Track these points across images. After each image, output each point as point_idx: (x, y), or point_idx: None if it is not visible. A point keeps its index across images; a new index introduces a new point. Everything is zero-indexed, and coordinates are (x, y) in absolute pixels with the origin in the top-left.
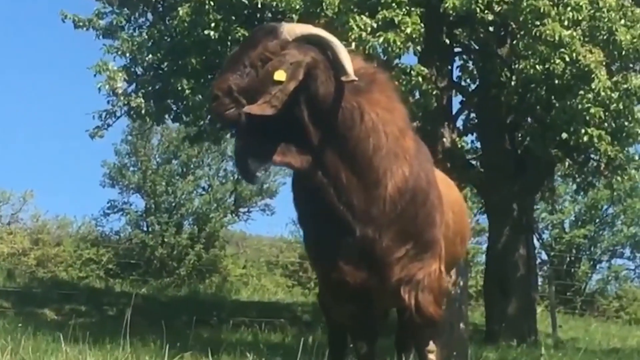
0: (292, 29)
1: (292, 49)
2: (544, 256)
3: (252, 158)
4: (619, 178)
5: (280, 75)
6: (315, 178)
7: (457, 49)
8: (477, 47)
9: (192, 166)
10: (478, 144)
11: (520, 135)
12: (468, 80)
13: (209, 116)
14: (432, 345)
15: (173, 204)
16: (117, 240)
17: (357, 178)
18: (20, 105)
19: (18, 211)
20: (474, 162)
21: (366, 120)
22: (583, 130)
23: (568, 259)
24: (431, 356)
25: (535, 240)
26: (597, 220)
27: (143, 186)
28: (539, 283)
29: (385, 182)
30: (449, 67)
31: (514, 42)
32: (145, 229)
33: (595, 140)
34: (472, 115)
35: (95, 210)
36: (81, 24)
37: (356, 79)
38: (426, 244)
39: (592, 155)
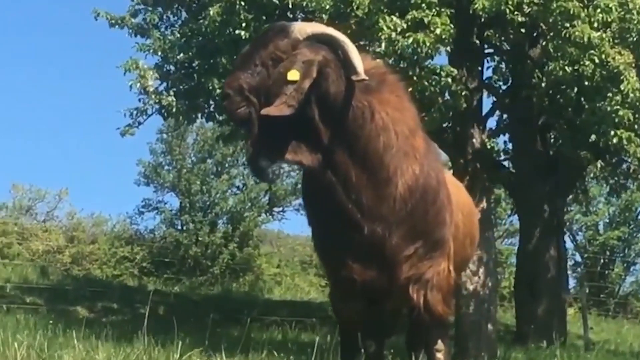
0: (302, 28)
1: (303, 48)
2: (578, 258)
3: (263, 156)
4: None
5: (293, 74)
6: (325, 176)
7: (488, 50)
8: (508, 48)
9: (226, 165)
10: (510, 145)
11: (551, 136)
12: (499, 82)
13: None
14: (440, 344)
15: (207, 203)
16: (152, 238)
17: (367, 176)
18: (56, 104)
19: (53, 209)
20: (505, 163)
21: (377, 119)
22: (612, 132)
23: (602, 260)
24: (439, 355)
25: (569, 242)
26: (631, 222)
27: (178, 185)
28: (573, 285)
29: (395, 181)
30: (480, 68)
31: (544, 43)
32: (179, 227)
33: (625, 142)
34: (505, 116)
35: (130, 208)
36: (114, 21)
37: (366, 78)
38: (436, 242)
39: (624, 157)
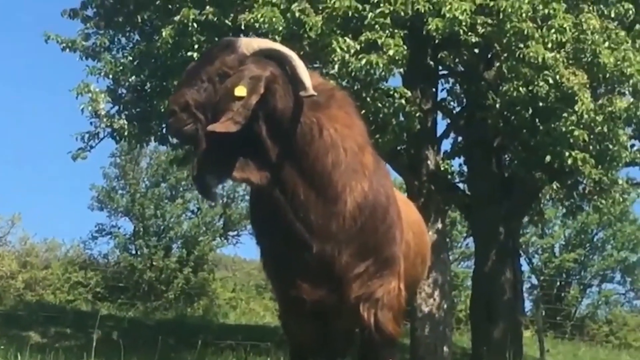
0: (250, 44)
1: (250, 64)
2: (534, 280)
3: (210, 175)
4: (603, 202)
5: (240, 90)
6: (273, 194)
7: (442, 72)
8: (462, 70)
9: (181, 189)
10: (465, 167)
11: (507, 158)
12: (453, 103)
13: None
14: None
15: (162, 227)
16: (106, 263)
17: (315, 194)
18: (7, 129)
19: (6, 234)
20: (460, 185)
21: (325, 135)
22: (567, 153)
23: (558, 283)
24: None
25: (525, 265)
26: (587, 244)
27: (131, 209)
28: (529, 307)
29: (344, 198)
30: (434, 89)
31: (499, 64)
32: (133, 252)
33: (579, 163)
34: (459, 138)
35: (83, 233)
36: (64, 45)
37: (315, 93)
38: (386, 260)
39: (579, 179)
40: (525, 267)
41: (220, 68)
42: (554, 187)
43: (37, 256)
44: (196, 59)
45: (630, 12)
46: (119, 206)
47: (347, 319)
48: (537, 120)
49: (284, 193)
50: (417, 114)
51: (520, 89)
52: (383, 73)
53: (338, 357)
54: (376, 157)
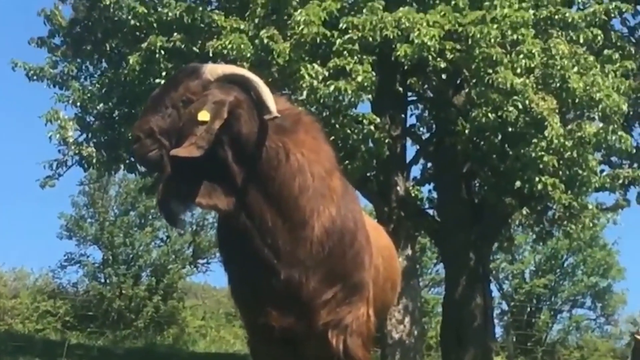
0: (214, 69)
1: (214, 89)
2: (505, 306)
3: (176, 201)
4: (573, 227)
5: (204, 115)
6: (239, 220)
7: (411, 98)
8: (431, 96)
9: (150, 217)
10: (435, 194)
11: (476, 184)
12: (423, 129)
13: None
14: None
15: (131, 256)
16: (75, 292)
17: (282, 219)
18: None
19: None
20: (430, 211)
21: (292, 160)
22: (537, 179)
23: (529, 308)
24: None
25: (495, 290)
26: (557, 270)
27: (100, 238)
28: (500, 333)
29: (312, 223)
30: (403, 115)
31: (468, 90)
32: (102, 280)
33: (549, 188)
34: (429, 164)
35: (52, 262)
36: (32, 72)
37: (278, 115)
38: (354, 286)
39: (549, 204)
40: (495, 293)
41: (184, 94)
42: (524, 212)
43: (6, 285)
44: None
45: (599, 37)
46: (87, 234)
47: (316, 346)
48: (506, 145)
49: (251, 219)
50: (386, 141)
51: (490, 114)
52: (352, 99)
53: None
54: (344, 182)
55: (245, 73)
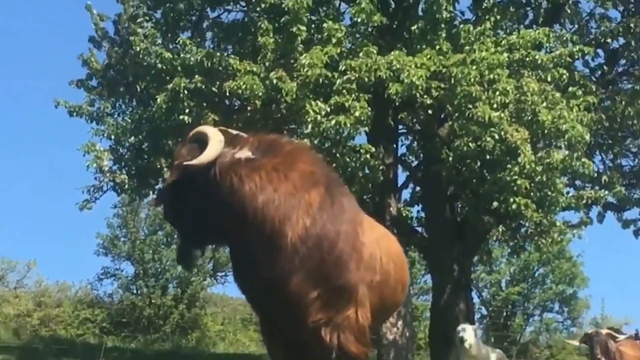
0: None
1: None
2: (484, 311)
3: (190, 248)
4: (543, 241)
5: None
6: (235, 246)
7: (402, 130)
8: (419, 128)
9: (175, 236)
10: (423, 214)
11: (459, 205)
12: (412, 157)
13: None
14: None
15: (159, 270)
16: (110, 302)
17: (257, 232)
18: (21, 184)
19: (23, 277)
20: (419, 229)
21: (246, 184)
22: (511, 200)
23: (504, 313)
24: None
25: (476, 297)
26: (529, 279)
27: (132, 254)
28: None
29: (285, 232)
30: (395, 145)
31: (451, 123)
32: (134, 291)
33: (522, 208)
34: (417, 188)
35: (90, 275)
36: (72, 109)
37: (193, 164)
38: (339, 288)
39: (522, 222)
40: (476, 300)
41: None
42: (500, 229)
43: (50, 296)
44: (188, 123)
45: (564, 76)
46: (121, 251)
47: (313, 343)
48: (485, 171)
49: (236, 244)
50: (380, 167)
51: (470, 144)
52: (351, 132)
53: None
54: (329, 197)
55: (201, 129)
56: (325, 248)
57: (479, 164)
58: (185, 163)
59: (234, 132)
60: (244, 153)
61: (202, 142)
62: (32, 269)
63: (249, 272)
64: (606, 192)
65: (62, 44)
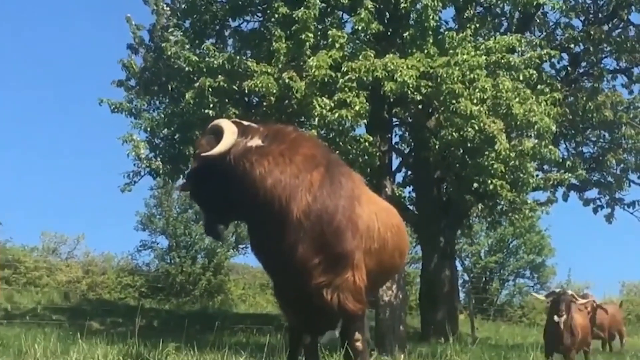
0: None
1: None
2: (466, 277)
3: (214, 223)
4: (516, 217)
5: None
6: (244, 221)
7: (395, 122)
8: (410, 121)
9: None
10: (414, 194)
11: (445, 186)
12: (404, 145)
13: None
14: (357, 335)
15: (189, 242)
16: (148, 270)
17: (267, 209)
18: (74, 171)
19: (73, 249)
20: (410, 207)
21: (258, 168)
22: (489, 181)
23: (483, 279)
24: (357, 343)
25: (459, 265)
26: (505, 250)
27: (167, 229)
28: (463, 297)
29: (291, 208)
30: (389, 135)
31: (437, 116)
32: (168, 261)
33: (498, 188)
34: (409, 172)
35: (131, 247)
36: (114, 106)
37: (215, 154)
38: (338, 255)
39: (497, 200)
40: (459, 267)
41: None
42: (480, 207)
43: (97, 265)
44: (212, 116)
45: (534, 76)
46: (157, 227)
47: (317, 301)
48: (466, 157)
49: (251, 220)
50: (377, 154)
51: (454, 134)
52: (352, 123)
53: (318, 333)
54: (329, 176)
55: (217, 123)
56: (325, 221)
57: (461, 151)
58: (203, 154)
59: (246, 123)
60: (255, 141)
61: (218, 134)
62: (81, 242)
63: (262, 244)
64: (569, 175)
65: (104, 51)
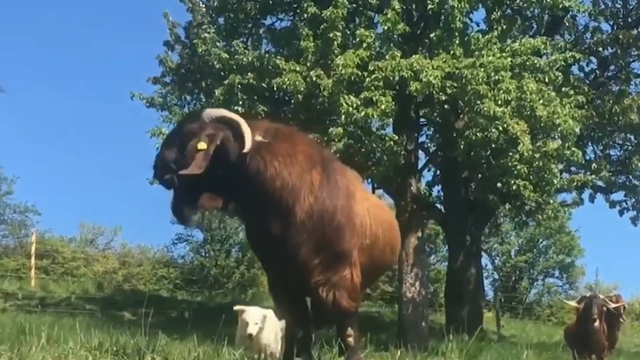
0: (209, 113)
1: (208, 127)
2: (496, 275)
3: (186, 207)
4: (540, 217)
5: (202, 145)
6: (244, 215)
7: (422, 122)
8: (439, 121)
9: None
10: (442, 193)
11: (472, 186)
12: (432, 144)
13: None
14: (349, 330)
15: (224, 236)
16: (183, 262)
17: (272, 211)
18: (110, 164)
19: (110, 241)
20: (439, 206)
21: (269, 168)
22: (512, 182)
23: (513, 278)
24: (350, 339)
25: (489, 264)
26: (535, 249)
27: (201, 222)
28: (491, 295)
29: (295, 211)
30: (416, 135)
31: (463, 116)
32: (203, 254)
33: (521, 188)
34: (438, 171)
35: (166, 240)
36: (146, 100)
37: (247, 150)
38: (337, 254)
39: (524, 201)
40: (489, 266)
41: (186, 133)
42: (507, 207)
43: (133, 257)
44: (240, 113)
45: (560, 78)
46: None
47: (313, 298)
48: (490, 157)
49: (250, 213)
50: (402, 152)
51: (478, 134)
52: (380, 123)
53: (312, 327)
54: (326, 174)
55: (231, 115)
56: (326, 221)
57: (489, 151)
58: (243, 151)
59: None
60: (259, 137)
61: (234, 128)
62: (117, 234)
63: (264, 242)
64: (593, 177)
65: (142, 47)
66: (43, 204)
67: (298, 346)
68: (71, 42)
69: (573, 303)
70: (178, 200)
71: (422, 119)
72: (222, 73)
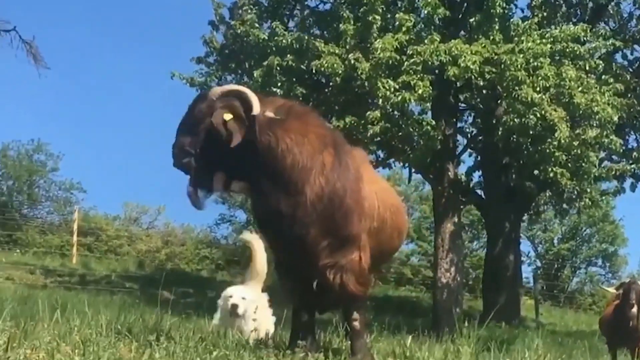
0: (215, 91)
1: (217, 103)
2: (538, 263)
3: (201, 190)
4: (577, 205)
5: (227, 115)
6: (252, 195)
7: (462, 107)
8: (481, 107)
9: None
10: (482, 179)
11: (512, 172)
12: (471, 128)
13: None
14: (355, 314)
15: None
16: (225, 243)
17: (282, 190)
18: (151, 143)
19: (154, 220)
20: (479, 192)
21: (281, 145)
22: (549, 169)
23: (555, 265)
24: (355, 323)
25: (532, 251)
26: (578, 238)
27: (245, 203)
28: (532, 283)
29: (305, 191)
30: (454, 120)
31: (501, 102)
32: None
33: (558, 176)
34: (478, 157)
35: (210, 220)
36: (186, 80)
37: (258, 111)
38: (346, 237)
39: (563, 188)
40: (532, 253)
41: (197, 114)
42: (547, 194)
43: (176, 236)
44: (280, 94)
45: (600, 66)
46: (235, 201)
47: (320, 281)
48: (528, 144)
49: (260, 194)
50: (439, 137)
51: (515, 120)
52: (420, 107)
53: (314, 311)
54: (338, 157)
55: (237, 87)
56: (336, 204)
57: (528, 138)
58: (254, 108)
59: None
60: (270, 113)
61: (242, 99)
62: (161, 213)
63: (272, 221)
64: (633, 166)
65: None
66: (88, 182)
67: (302, 329)
68: (118, 21)
69: (611, 289)
70: (194, 183)
71: (462, 105)
72: (259, 54)
